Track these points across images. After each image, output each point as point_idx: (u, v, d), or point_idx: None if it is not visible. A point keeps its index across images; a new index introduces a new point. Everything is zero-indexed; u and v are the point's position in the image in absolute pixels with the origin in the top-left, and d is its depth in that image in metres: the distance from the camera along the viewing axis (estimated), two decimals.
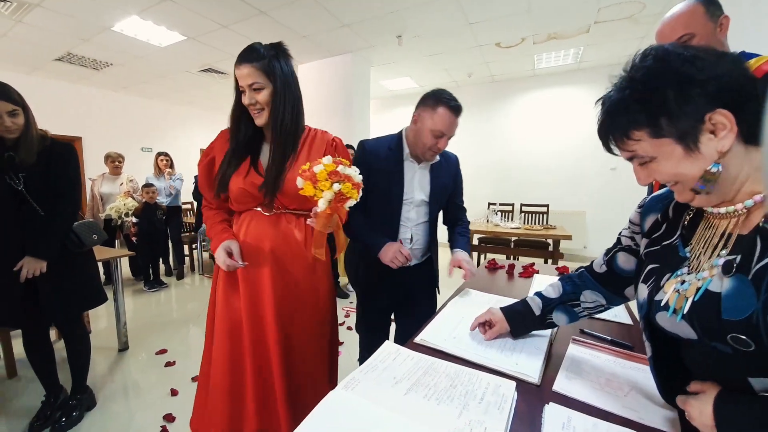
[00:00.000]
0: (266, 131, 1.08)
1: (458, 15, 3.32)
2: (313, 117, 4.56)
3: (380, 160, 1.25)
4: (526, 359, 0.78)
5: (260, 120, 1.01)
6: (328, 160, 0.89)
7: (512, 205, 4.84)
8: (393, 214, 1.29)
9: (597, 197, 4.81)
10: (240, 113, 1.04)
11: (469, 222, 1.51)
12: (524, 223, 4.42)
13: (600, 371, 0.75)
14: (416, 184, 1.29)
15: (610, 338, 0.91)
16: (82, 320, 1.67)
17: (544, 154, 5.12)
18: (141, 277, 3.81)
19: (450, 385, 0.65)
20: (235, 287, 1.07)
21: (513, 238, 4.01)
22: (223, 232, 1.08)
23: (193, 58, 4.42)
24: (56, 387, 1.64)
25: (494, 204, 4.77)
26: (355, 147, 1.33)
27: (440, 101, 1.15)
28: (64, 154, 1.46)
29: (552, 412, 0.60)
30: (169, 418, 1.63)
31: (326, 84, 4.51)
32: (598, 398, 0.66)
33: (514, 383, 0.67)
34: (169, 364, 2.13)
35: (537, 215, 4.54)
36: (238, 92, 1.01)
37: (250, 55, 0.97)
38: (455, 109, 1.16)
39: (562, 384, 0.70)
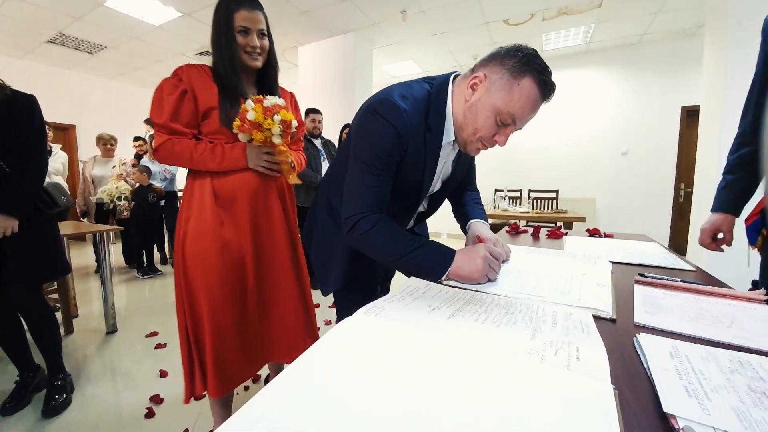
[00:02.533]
0: (251, 73, 1.13)
1: None
2: (314, 100, 4.43)
3: (414, 142, 0.76)
4: (588, 296, 0.62)
5: (258, 63, 1.08)
6: (250, 104, 0.99)
7: (520, 191, 4.68)
8: (407, 209, 0.92)
9: (608, 183, 4.65)
10: (236, 52, 1.04)
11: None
12: (533, 209, 4.26)
13: (684, 306, 0.59)
14: (440, 172, 0.88)
15: (679, 279, 0.75)
16: (43, 295, 1.51)
17: (553, 140, 4.96)
18: (134, 264, 3.65)
19: (506, 312, 0.50)
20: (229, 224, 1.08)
21: (522, 223, 3.86)
22: (226, 143, 1.06)
23: (189, 38, 4.27)
24: (30, 366, 1.48)
25: (501, 190, 4.61)
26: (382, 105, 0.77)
27: (529, 68, 0.66)
28: (26, 105, 1.30)
29: (649, 342, 0.45)
30: (157, 399, 1.46)
31: (327, 66, 4.35)
32: (695, 330, 0.50)
33: (589, 311, 0.51)
34: (159, 346, 1.97)
35: (546, 201, 4.38)
36: (232, 32, 1.03)
37: (259, 3, 1.06)
38: (547, 88, 0.67)
39: (644, 317, 0.55)
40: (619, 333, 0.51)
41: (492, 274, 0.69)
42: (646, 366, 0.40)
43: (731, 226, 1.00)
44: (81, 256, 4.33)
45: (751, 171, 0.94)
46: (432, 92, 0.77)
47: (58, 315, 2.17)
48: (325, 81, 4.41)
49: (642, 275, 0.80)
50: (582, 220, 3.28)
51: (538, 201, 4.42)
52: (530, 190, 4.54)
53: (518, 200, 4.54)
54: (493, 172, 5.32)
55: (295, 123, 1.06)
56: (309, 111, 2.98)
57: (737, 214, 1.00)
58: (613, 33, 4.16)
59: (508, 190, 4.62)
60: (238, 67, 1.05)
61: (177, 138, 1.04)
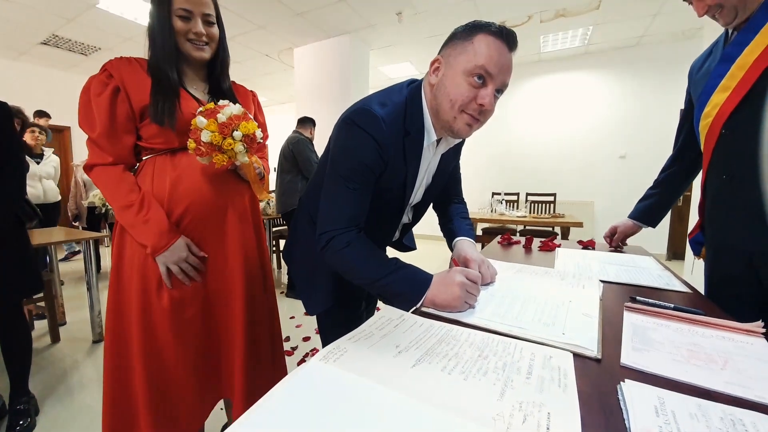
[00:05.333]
0: (197, 66, 0.99)
1: None
2: (310, 102, 4.39)
3: (394, 150, 0.73)
4: (573, 329, 0.58)
5: (205, 54, 0.93)
6: (202, 121, 0.83)
7: (517, 194, 4.64)
8: (392, 221, 0.88)
9: (606, 186, 4.61)
10: (175, 41, 0.90)
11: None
12: (530, 213, 4.22)
13: (676, 341, 0.55)
14: (423, 179, 0.85)
15: (672, 305, 0.71)
16: (23, 313, 1.44)
17: (550, 143, 4.92)
18: None
19: (479, 355, 0.46)
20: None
21: (519, 228, 3.82)
22: (149, 210, 0.86)
23: None
24: None
25: (498, 194, 4.57)
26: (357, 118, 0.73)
27: (476, 27, 0.67)
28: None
29: (634, 392, 0.41)
30: None
31: (323, 68, 4.31)
32: (686, 373, 0.46)
33: (570, 354, 0.47)
34: None
35: (543, 205, 4.33)
36: (169, 16, 0.87)
37: None
38: (503, 34, 0.66)
39: (631, 357, 0.51)
40: (602, 376, 0.47)
41: (471, 299, 0.66)
42: (627, 426, 0.36)
43: (626, 230, 1.22)
44: (73, 262, 4.29)
45: (667, 190, 1.12)
46: (408, 96, 0.75)
47: (44, 323, 2.14)
48: (321, 83, 4.36)
49: (633, 299, 0.77)
50: (579, 225, 3.23)
51: (536, 204, 4.38)
52: (527, 194, 4.50)
53: (515, 204, 4.49)
54: (490, 175, 5.28)
55: (259, 134, 0.90)
56: None
57: (651, 224, 1.17)
58: (612, 35, 4.12)
59: (505, 194, 4.57)
60: (173, 55, 0.89)
61: (101, 168, 0.87)
